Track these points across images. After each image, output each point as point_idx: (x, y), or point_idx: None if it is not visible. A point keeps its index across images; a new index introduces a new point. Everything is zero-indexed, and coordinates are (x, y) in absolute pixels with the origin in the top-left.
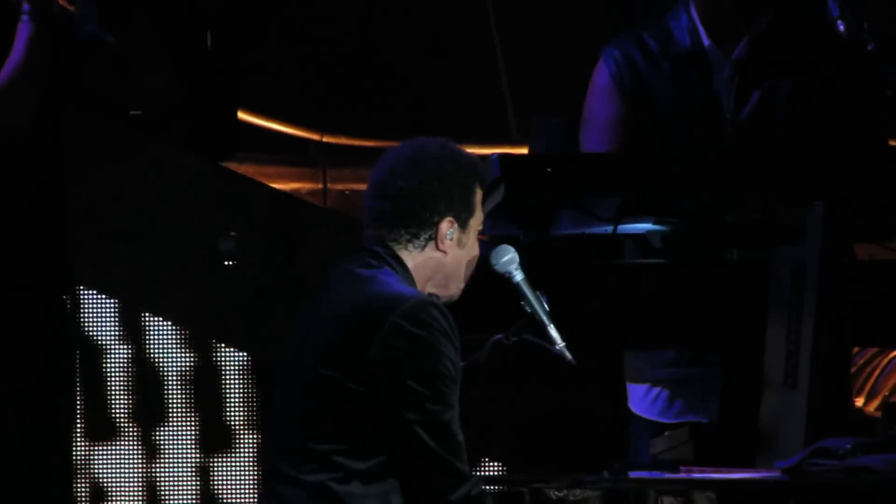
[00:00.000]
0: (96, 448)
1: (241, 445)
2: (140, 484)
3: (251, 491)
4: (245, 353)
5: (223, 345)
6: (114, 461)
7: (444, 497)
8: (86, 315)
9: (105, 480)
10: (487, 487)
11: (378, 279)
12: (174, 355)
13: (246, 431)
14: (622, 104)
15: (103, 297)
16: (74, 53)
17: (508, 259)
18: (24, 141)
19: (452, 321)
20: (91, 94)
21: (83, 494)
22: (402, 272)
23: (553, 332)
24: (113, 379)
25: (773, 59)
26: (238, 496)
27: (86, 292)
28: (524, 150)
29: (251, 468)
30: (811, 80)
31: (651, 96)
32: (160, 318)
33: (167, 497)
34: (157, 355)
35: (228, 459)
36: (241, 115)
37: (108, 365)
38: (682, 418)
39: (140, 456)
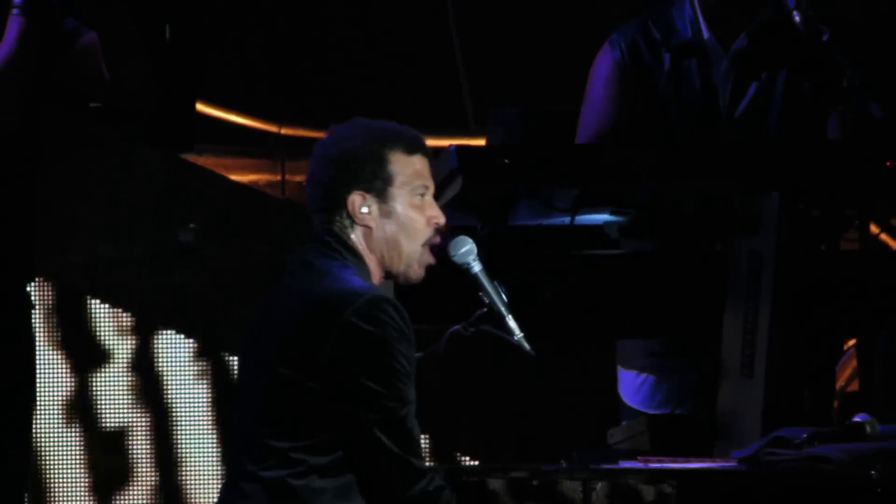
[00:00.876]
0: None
1: (199, 436)
2: (91, 474)
3: (212, 482)
4: (203, 344)
5: (183, 335)
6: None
7: (400, 493)
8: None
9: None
10: (443, 483)
11: (332, 273)
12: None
13: (204, 423)
14: (622, 87)
15: (63, 287)
16: (56, 46)
17: (466, 250)
18: (11, 135)
19: (406, 316)
20: (63, 87)
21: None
22: (353, 259)
23: (511, 322)
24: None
25: (770, 54)
26: (198, 488)
27: (46, 283)
28: (482, 142)
29: (211, 460)
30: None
31: (651, 85)
32: (119, 309)
33: (121, 487)
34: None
35: (187, 450)
36: (200, 108)
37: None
38: (661, 409)
39: (95, 447)
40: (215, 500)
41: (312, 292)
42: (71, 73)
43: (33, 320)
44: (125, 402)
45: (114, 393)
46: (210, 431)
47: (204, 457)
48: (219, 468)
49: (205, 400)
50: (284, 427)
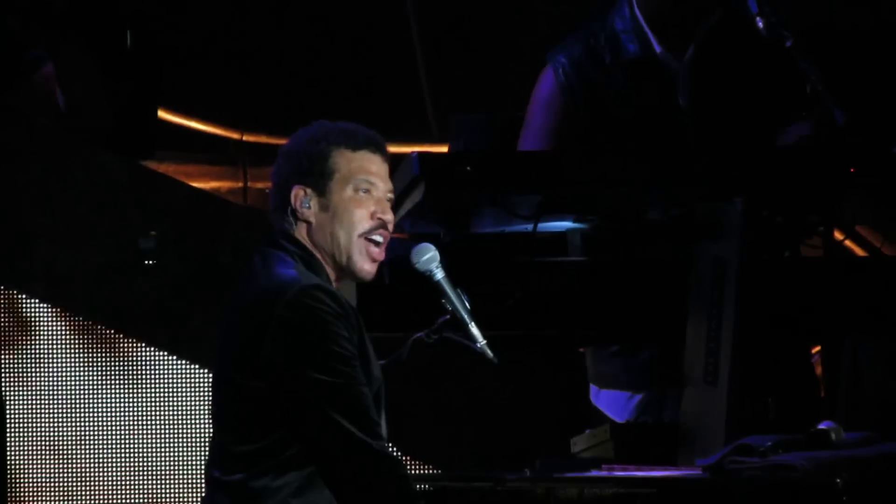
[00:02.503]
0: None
1: (163, 444)
2: (56, 484)
3: (174, 490)
4: (165, 352)
5: (144, 343)
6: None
7: (363, 477)
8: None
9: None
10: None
11: (268, 271)
12: (90, 354)
13: (167, 430)
14: (564, 113)
15: (23, 296)
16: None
17: (429, 258)
18: None
19: (341, 298)
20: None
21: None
22: (302, 254)
23: (474, 329)
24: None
25: (724, 59)
26: (161, 496)
27: (5, 292)
28: (444, 149)
29: (175, 468)
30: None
31: (605, 104)
32: (79, 317)
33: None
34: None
35: (150, 458)
36: (162, 114)
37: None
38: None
39: (57, 457)
40: None
41: (249, 294)
42: (27, 100)
43: None
44: (86, 411)
45: (75, 402)
46: (174, 439)
47: (168, 465)
48: (182, 476)
49: (167, 407)
50: (240, 431)
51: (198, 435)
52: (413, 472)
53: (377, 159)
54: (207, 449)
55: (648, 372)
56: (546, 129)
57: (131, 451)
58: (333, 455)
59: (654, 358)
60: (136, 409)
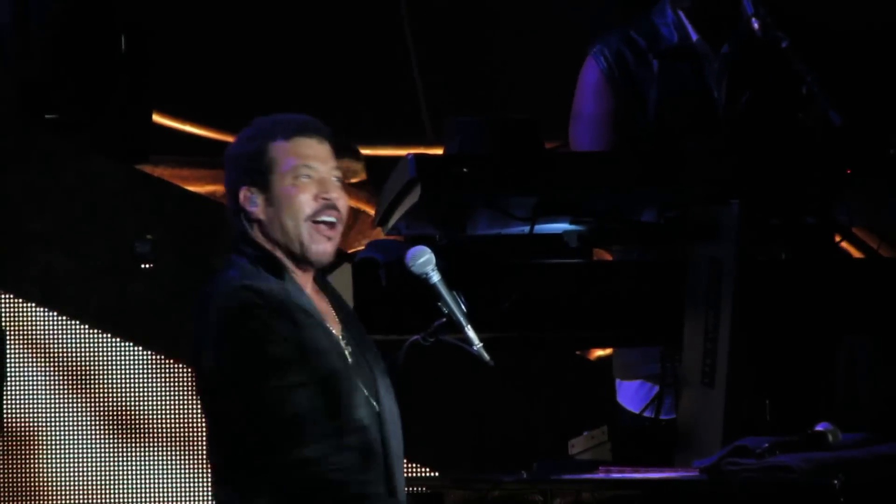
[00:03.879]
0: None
1: (158, 448)
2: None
3: (170, 493)
4: (160, 355)
5: (140, 347)
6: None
7: (279, 482)
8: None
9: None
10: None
11: (214, 279)
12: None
13: (162, 434)
14: (613, 99)
15: (19, 300)
16: None
17: (425, 260)
18: None
19: (273, 297)
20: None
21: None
22: (257, 254)
23: (470, 332)
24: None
25: (762, 53)
26: (157, 499)
27: (1, 296)
28: (440, 151)
29: (169, 472)
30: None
31: (642, 93)
32: (75, 320)
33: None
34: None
35: (145, 462)
36: (156, 118)
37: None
38: (669, 415)
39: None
40: None
41: (197, 306)
42: None
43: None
44: (81, 413)
45: (70, 405)
46: (168, 443)
47: (162, 469)
48: (177, 480)
49: (162, 411)
50: (212, 446)
51: (191, 437)
52: (410, 474)
53: (313, 143)
54: (202, 452)
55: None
56: (600, 115)
57: (121, 453)
58: (255, 459)
59: (669, 351)
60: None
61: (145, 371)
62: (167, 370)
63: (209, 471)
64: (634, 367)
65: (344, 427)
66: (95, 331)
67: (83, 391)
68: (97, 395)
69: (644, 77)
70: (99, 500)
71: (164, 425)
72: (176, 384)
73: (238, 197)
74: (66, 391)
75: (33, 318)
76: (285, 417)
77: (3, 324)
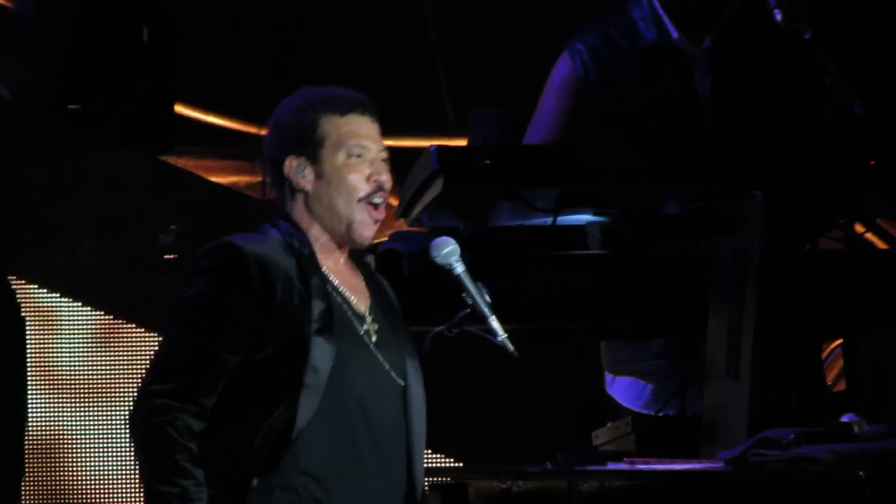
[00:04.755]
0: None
1: None
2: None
3: None
4: None
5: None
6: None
7: (134, 411)
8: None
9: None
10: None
11: None
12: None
13: None
14: (576, 100)
15: (44, 290)
16: None
17: (449, 251)
18: None
19: (245, 255)
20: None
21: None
22: (283, 223)
23: (494, 323)
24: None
25: (743, 49)
26: None
27: (26, 286)
28: (462, 143)
29: None
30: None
31: (623, 92)
32: (100, 311)
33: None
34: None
35: None
36: (179, 109)
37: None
38: (667, 410)
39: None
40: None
41: None
42: None
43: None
44: (106, 404)
45: (95, 396)
46: None
47: None
48: None
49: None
50: None
51: None
52: (434, 464)
53: (366, 121)
54: None
55: (663, 358)
56: (556, 113)
57: None
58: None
59: (669, 345)
60: None
61: None
62: None
63: None
64: (625, 363)
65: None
66: (120, 321)
67: (107, 381)
68: (120, 386)
69: (625, 76)
70: (124, 492)
71: None
72: None
73: (283, 166)
74: (89, 381)
75: (58, 309)
76: (168, 352)
77: (27, 314)
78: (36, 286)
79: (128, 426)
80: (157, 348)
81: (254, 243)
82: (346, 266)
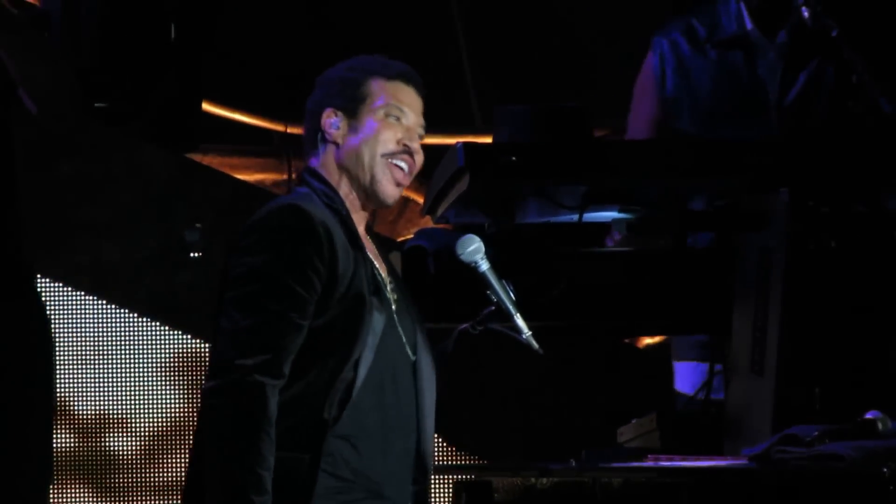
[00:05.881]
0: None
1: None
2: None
3: None
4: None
5: (189, 335)
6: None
7: (208, 377)
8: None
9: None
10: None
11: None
12: (136, 345)
13: None
14: (656, 100)
15: (69, 288)
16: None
17: (474, 249)
18: None
19: (310, 217)
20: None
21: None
22: (317, 183)
23: (519, 321)
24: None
25: (817, 44)
26: None
27: (51, 284)
28: (488, 140)
29: None
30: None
31: (694, 84)
32: (124, 309)
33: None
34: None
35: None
36: (206, 107)
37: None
38: (719, 395)
39: (102, 448)
40: None
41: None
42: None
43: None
44: (131, 401)
45: (120, 393)
46: None
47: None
48: None
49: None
50: None
51: None
52: (459, 462)
53: (411, 91)
54: None
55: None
56: (643, 110)
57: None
58: (214, 343)
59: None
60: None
61: (195, 360)
62: None
63: None
64: (686, 348)
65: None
66: (145, 319)
67: (131, 380)
68: (146, 384)
69: (698, 67)
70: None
71: None
72: None
73: (320, 117)
74: (114, 380)
75: (83, 307)
76: (250, 324)
77: (53, 312)
78: (61, 284)
79: (206, 400)
80: (229, 317)
81: (311, 206)
82: (364, 236)
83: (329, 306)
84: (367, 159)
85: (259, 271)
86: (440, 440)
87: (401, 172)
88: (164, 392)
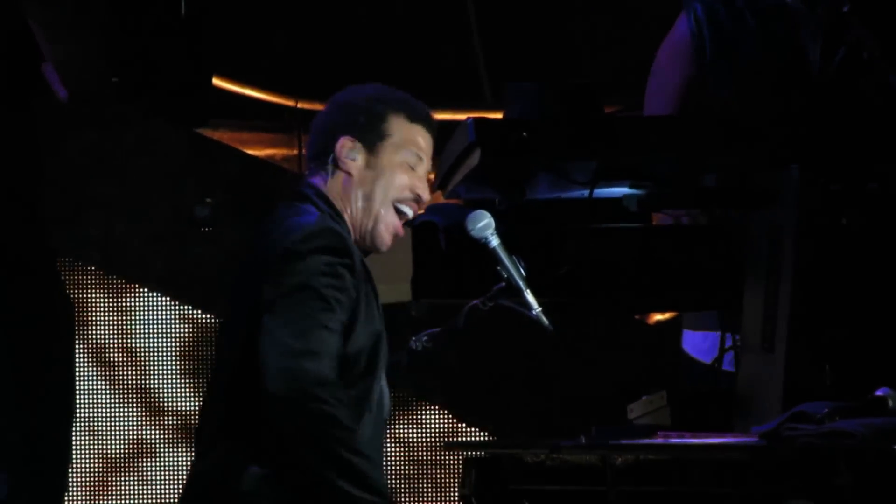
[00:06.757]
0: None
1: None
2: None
3: None
4: (220, 318)
5: (199, 310)
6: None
7: (288, 405)
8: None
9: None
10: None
11: (291, 220)
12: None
13: None
14: (692, 65)
15: (79, 262)
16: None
17: (484, 224)
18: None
19: (351, 246)
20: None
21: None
22: (323, 205)
23: (529, 297)
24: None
25: (857, 13)
26: None
27: (62, 259)
28: (499, 116)
29: None
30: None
31: (734, 52)
32: (135, 284)
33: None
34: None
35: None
36: (217, 82)
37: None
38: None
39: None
40: None
41: (267, 244)
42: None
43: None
44: (142, 376)
45: (131, 367)
46: None
47: None
48: None
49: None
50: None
51: None
52: (469, 438)
53: (429, 137)
54: None
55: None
56: (674, 83)
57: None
58: (269, 373)
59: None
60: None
61: (204, 335)
62: None
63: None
64: (700, 317)
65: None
66: (155, 294)
67: (142, 354)
68: (155, 359)
69: (738, 35)
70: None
71: None
72: None
73: (336, 141)
74: (125, 356)
75: (93, 282)
76: (309, 335)
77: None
78: (71, 259)
79: (276, 410)
80: (284, 322)
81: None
82: None
83: (355, 327)
84: (377, 200)
85: (306, 284)
86: (450, 417)
87: (402, 220)
88: (173, 366)
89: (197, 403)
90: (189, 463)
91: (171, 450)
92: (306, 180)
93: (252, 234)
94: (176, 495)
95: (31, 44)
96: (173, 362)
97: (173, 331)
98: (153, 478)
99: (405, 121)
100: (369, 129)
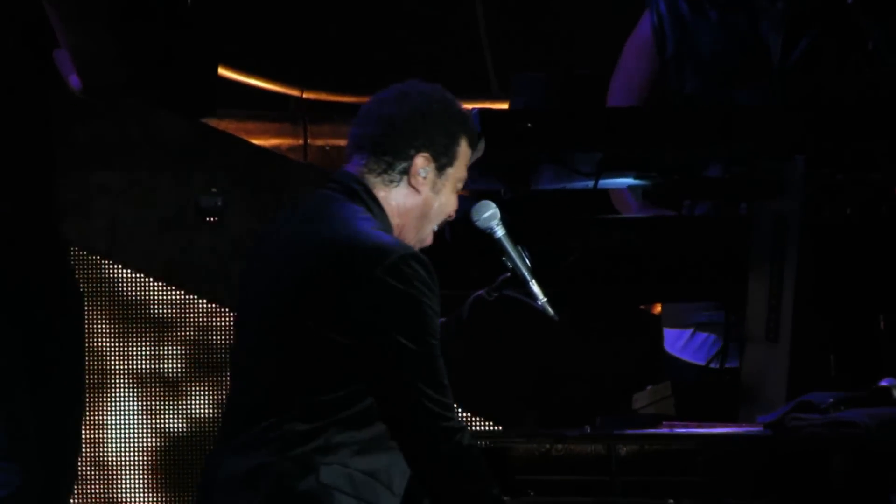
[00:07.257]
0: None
1: (222, 401)
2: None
3: None
4: (226, 308)
5: (205, 300)
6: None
7: (437, 448)
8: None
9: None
10: (472, 441)
11: (355, 223)
12: (151, 310)
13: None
14: (656, 61)
15: (85, 252)
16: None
17: (490, 215)
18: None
19: (432, 270)
20: None
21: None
22: (376, 210)
23: (535, 287)
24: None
25: (819, 5)
26: None
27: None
28: (505, 106)
29: None
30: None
31: (696, 45)
32: (140, 273)
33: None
34: (132, 310)
35: (209, 414)
36: (222, 72)
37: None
38: (731, 363)
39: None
40: None
41: (335, 240)
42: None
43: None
44: (146, 365)
45: (135, 356)
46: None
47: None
48: None
49: (227, 364)
50: (303, 378)
51: None
52: (473, 428)
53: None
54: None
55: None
56: (638, 71)
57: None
58: (412, 422)
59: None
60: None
61: (211, 324)
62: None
63: (274, 414)
64: (684, 314)
65: None
66: (161, 284)
67: (148, 345)
68: (162, 349)
69: (699, 28)
70: (169, 453)
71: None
72: None
73: (414, 153)
74: (130, 345)
75: (99, 271)
76: (438, 380)
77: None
78: (76, 248)
79: (420, 453)
80: (402, 353)
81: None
82: None
83: None
84: (431, 220)
85: (414, 311)
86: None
87: (429, 239)
88: (177, 356)
89: (197, 397)
90: (196, 452)
91: (178, 442)
92: (354, 174)
93: (270, 221)
94: (182, 482)
95: (46, 31)
96: (178, 353)
97: (180, 320)
98: (164, 470)
99: (467, 146)
100: (444, 152)
